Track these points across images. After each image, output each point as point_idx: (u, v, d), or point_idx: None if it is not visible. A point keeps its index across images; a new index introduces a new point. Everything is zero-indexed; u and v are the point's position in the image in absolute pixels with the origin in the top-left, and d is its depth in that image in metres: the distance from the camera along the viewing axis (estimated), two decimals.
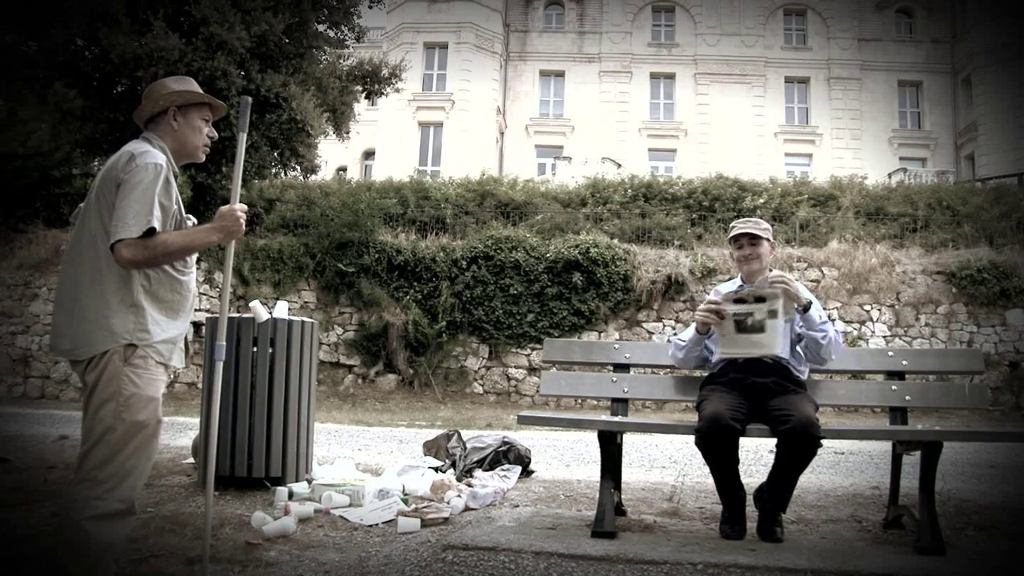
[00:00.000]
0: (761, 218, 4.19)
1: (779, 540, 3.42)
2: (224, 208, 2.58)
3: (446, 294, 14.23)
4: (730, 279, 4.44)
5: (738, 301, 3.56)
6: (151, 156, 2.48)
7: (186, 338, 2.70)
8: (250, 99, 2.96)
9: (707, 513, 4.11)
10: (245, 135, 2.84)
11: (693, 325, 3.81)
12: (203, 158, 2.77)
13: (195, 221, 2.67)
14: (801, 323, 3.65)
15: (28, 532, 3.50)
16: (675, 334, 3.77)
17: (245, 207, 2.65)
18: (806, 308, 3.61)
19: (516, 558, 3.09)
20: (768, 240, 3.87)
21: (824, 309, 4.53)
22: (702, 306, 3.69)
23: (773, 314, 3.48)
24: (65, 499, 2.35)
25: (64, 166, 15.37)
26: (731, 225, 4.02)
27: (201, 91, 2.72)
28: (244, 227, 2.63)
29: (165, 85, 2.67)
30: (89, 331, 2.41)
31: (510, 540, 3.33)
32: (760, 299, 3.52)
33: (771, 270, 3.93)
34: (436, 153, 30.26)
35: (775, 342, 3.52)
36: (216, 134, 2.77)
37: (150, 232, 2.38)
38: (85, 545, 2.26)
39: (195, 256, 2.66)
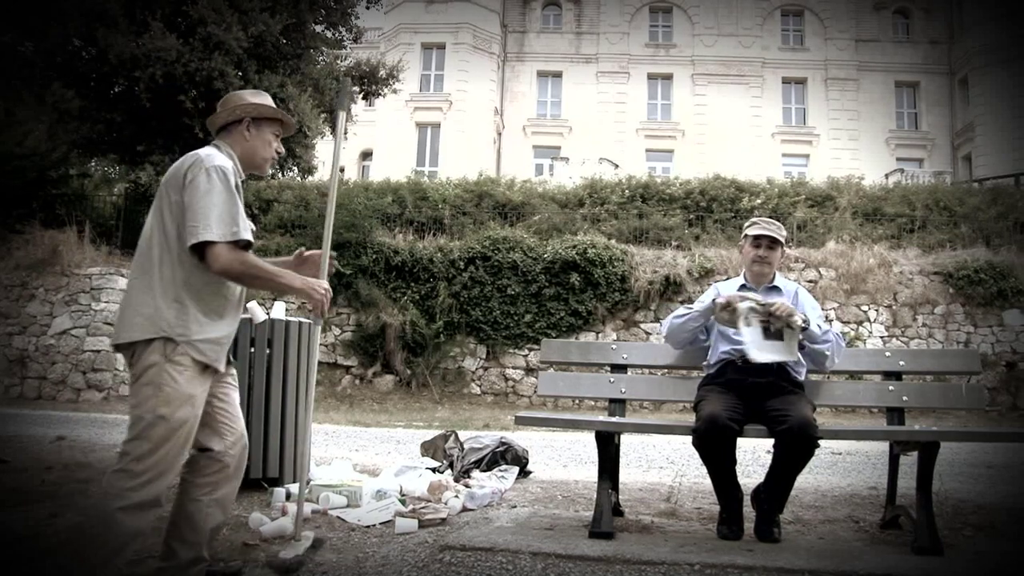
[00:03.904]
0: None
1: (776, 540, 3.42)
2: (322, 282, 2.76)
3: (444, 295, 14.23)
4: (727, 279, 4.44)
5: (764, 326, 3.57)
6: (218, 159, 2.57)
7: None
8: (350, 81, 3.28)
9: (705, 513, 4.12)
10: (345, 113, 3.03)
11: (709, 301, 3.77)
12: (268, 171, 2.90)
13: (253, 227, 2.74)
14: (803, 339, 3.66)
15: (26, 533, 3.49)
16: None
17: (329, 290, 2.78)
18: (803, 328, 3.60)
19: (513, 558, 3.09)
20: (783, 247, 3.87)
21: (822, 310, 4.52)
22: (725, 297, 3.63)
23: (789, 324, 3.57)
24: (101, 485, 2.41)
25: (61, 166, 15.35)
26: (752, 221, 3.95)
27: (276, 107, 2.82)
28: (324, 303, 2.75)
29: (242, 97, 2.78)
30: (131, 319, 2.49)
31: (507, 541, 3.32)
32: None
33: (775, 275, 3.93)
34: (434, 154, 30.27)
35: (793, 350, 3.59)
36: (284, 150, 2.89)
37: (243, 244, 2.50)
38: (112, 533, 2.32)
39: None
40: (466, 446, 5.38)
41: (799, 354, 3.66)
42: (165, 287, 2.49)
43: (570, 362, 4.44)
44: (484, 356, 14.38)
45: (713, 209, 16.16)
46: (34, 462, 5.49)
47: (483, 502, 4.22)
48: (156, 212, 2.57)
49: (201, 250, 2.47)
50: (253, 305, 4.48)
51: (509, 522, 3.79)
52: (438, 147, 30.32)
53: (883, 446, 4.42)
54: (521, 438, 6.34)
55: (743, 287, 3.90)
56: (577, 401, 12.43)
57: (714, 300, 3.70)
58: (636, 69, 32.94)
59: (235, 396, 2.77)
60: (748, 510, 3.62)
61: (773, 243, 3.82)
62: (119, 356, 12.88)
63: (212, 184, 2.49)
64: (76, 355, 12.87)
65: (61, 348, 12.97)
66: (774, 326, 3.55)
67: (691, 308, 3.85)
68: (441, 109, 30.54)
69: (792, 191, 16.81)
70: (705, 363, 3.87)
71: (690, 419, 3.66)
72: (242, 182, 2.70)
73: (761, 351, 3.57)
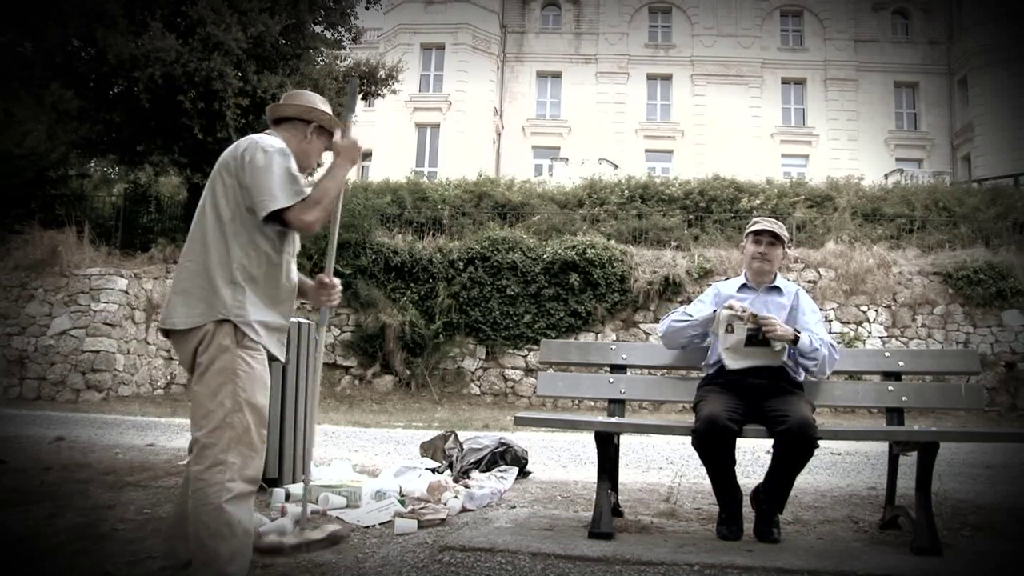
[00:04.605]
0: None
1: (776, 541, 3.42)
2: (340, 140, 2.76)
3: (443, 295, 14.23)
4: (727, 279, 4.44)
5: (751, 333, 3.60)
6: (270, 140, 2.62)
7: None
8: (358, 80, 3.25)
9: (704, 514, 4.12)
10: (352, 115, 2.97)
11: (711, 310, 3.78)
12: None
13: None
14: (792, 351, 3.67)
15: (26, 533, 3.48)
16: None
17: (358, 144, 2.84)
18: (795, 341, 3.61)
19: (513, 559, 3.09)
20: (784, 247, 3.88)
21: (820, 311, 4.51)
22: (731, 306, 3.65)
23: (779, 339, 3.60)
24: (198, 486, 2.40)
25: (60, 167, 15.33)
26: (754, 219, 3.96)
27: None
28: (360, 153, 2.79)
29: (315, 101, 2.84)
30: (188, 303, 2.51)
31: (507, 541, 3.32)
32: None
33: (775, 275, 3.93)
34: (433, 154, 30.26)
35: (781, 355, 3.61)
36: (322, 165, 2.95)
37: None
38: (230, 528, 2.35)
39: (296, 240, 2.76)
40: (465, 446, 5.37)
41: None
42: (221, 269, 2.51)
43: (569, 362, 4.44)
44: (483, 356, 14.38)
45: (712, 209, 16.17)
46: (33, 462, 5.49)
47: (482, 503, 4.22)
48: (209, 196, 2.59)
49: (280, 220, 2.53)
50: None
51: (508, 522, 3.79)
52: (437, 147, 30.31)
53: (882, 446, 4.42)
54: (520, 438, 6.34)
55: (744, 287, 3.91)
56: (576, 401, 12.42)
57: (715, 312, 3.70)
58: (635, 69, 32.94)
59: None
60: (747, 510, 3.63)
61: (775, 240, 3.82)
62: (119, 357, 12.95)
63: (270, 158, 2.53)
64: (75, 356, 12.85)
65: (60, 349, 12.95)
66: (763, 335, 3.57)
67: (690, 315, 3.85)
68: (440, 109, 30.55)
69: (791, 191, 16.83)
70: (704, 363, 3.88)
71: (689, 419, 3.66)
72: None
73: (736, 358, 3.59)
